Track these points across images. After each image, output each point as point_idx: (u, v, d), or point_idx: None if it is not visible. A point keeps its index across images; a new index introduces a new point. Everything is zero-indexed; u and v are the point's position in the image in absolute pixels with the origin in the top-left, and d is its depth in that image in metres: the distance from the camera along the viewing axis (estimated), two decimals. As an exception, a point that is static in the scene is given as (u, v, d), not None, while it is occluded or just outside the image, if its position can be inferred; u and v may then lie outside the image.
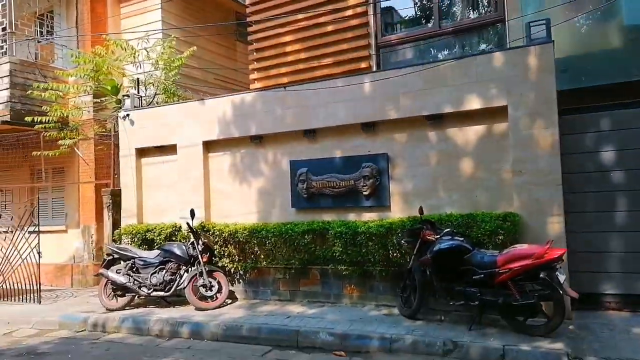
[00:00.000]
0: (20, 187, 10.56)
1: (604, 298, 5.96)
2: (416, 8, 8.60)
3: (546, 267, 4.83)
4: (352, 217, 6.83)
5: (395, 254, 6.26)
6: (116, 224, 8.61)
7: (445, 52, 8.09)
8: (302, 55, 8.79)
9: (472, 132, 6.19)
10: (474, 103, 6.07)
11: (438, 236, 5.57)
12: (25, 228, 8.17)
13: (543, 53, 5.70)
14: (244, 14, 12.47)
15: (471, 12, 8.02)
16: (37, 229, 8.15)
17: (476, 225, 5.76)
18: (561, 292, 4.79)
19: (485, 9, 7.90)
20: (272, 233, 6.91)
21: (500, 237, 5.63)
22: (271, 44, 9.07)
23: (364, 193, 6.69)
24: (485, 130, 6.11)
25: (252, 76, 9.37)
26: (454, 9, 8.18)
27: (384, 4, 8.52)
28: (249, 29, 9.43)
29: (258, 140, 7.51)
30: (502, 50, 6.15)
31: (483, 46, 7.77)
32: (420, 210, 5.77)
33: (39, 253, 8.03)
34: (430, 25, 8.19)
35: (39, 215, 8.27)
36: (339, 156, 6.94)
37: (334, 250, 6.54)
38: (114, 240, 8.24)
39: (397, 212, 6.57)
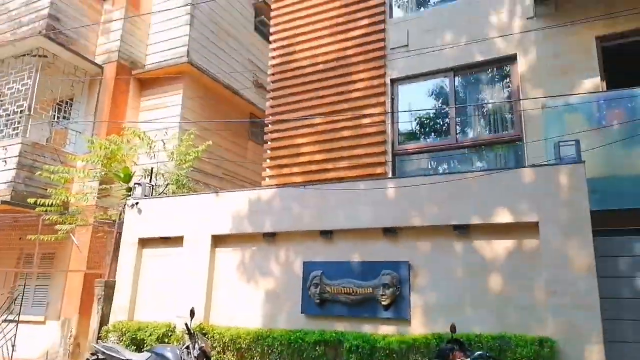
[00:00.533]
0: (8, 271, 9.88)
1: None
2: (434, 120, 8.83)
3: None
4: (367, 328, 6.27)
5: (417, 376, 5.62)
6: (104, 319, 7.86)
7: (462, 165, 8.15)
8: (317, 157, 8.85)
9: (501, 246, 5.92)
10: (502, 216, 5.89)
11: (469, 359, 5.03)
12: (2, 316, 7.42)
13: (574, 173, 5.66)
14: (258, 116, 12.94)
15: (489, 129, 8.21)
16: (15, 318, 7.41)
17: (510, 349, 5.25)
18: None
19: (504, 126, 8.10)
20: (279, 341, 6.28)
21: (535, 365, 5.12)
22: (286, 144, 9.18)
23: (383, 303, 6.21)
24: (516, 245, 5.86)
25: (264, 173, 9.34)
26: (473, 124, 8.40)
27: (402, 116, 8.77)
28: (266, 129, 9.59)
29: (271, 237, 7.18)
30: (532, 166, 6.13)
31: (500, 162, 7.86)
32: (452, 328, 5.23)
33: (13, 346, 7.20)
34: (448, 138, 8.34)
35: (21, 304, 7.56)
36: (357, 261, 6.57)
37: (347, 367, 5.89)
38: (99, 338, 7.45)
39: (418, 326, 6.05)
